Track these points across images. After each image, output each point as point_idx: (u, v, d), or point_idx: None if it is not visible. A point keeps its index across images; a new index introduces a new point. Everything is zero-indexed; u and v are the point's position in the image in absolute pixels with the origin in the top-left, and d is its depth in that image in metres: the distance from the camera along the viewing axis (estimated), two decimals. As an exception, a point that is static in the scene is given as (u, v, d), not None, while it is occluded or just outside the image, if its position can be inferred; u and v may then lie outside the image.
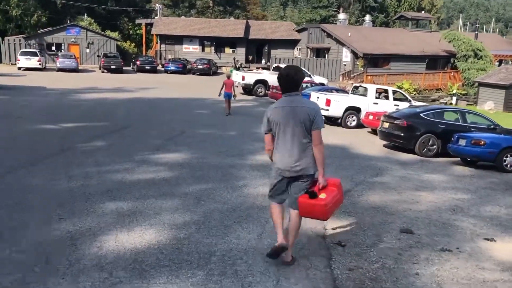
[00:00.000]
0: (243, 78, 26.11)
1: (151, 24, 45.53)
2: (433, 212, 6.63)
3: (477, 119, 13.69)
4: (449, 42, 37.47)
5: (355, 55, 37.69)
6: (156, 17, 46.74)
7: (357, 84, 19.79)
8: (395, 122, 13.27)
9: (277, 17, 76.01)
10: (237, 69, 29.80)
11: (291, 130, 4.17)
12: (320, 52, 42.11)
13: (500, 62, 40.49)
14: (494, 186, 9.10)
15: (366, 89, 18.79)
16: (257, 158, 10.13)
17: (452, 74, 37.98)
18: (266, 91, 25.71)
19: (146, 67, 38.05)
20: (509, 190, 8.76)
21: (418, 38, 41.36)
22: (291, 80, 4.25)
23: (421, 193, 7.95)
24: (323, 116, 4.39)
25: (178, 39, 43.88)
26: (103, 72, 36.50)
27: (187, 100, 22.36)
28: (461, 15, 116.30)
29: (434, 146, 12.87)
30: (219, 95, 18.02)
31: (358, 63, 37.72)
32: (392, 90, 18.95)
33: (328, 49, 41.16)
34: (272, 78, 26.54)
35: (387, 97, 18.66)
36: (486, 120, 13.59)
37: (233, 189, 7.20)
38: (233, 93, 17.48)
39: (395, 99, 18.56)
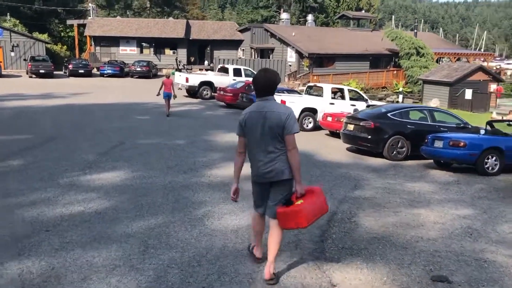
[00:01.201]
0: (187, 80, 24.20)
1: (84, 25, 42.37)
2: (451, 241, 5.28)
3: (445, 117, 12.77)
4: (392, 40, 37.48)
5: (300, 55, 36.77)
6: (89, 18, 43.55)
7: (311, 84, 18.57)
8: (361, 123, 12.05)
9: (216, 19, 74.28)
10: (180, 70, 27.79)
11: (262, 136, 4.01)
12: (264, 53, 40.88)
13: (438, 60, 41.15)
14: (487, 194, 7.98)
15: (321, 89, 17.58)
16: (215, 173, 8.44)
17: (395, 72, 38.04)
18: (213, 93, 23.99)
19: (80, 71, 35.09)
20: (506, 199, 7.66)
21: (360, 38, 41.18)
22: (267, 84, 4.06)
23: (418, 210, 6.62)
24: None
25: (114, 41, 41.07)
26: (30, 77, 33.18)
27: (126, 105, 20.20)
28: (393, 16, 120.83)
29: (404, 149, 11.77)
30: (157, 95, 17.37)
31: (303, 63, 36.86)
32: (348, 89, 17.87)
33: (272, 50, 40.02)
34: (218, 79, 24.87)
35: (343, 97, 17.57)
36: (454, 118, 12.70)
37: (191, 223, 5.47)
38: (172, 93, 16.95)
39: (351, 98, 17.51)
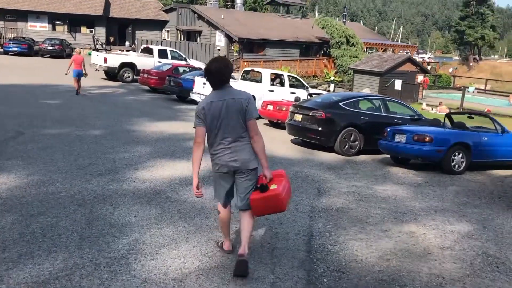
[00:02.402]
0: (106, 60, 21.48)
1: (-17, -4, 37.26)
2: (482, 281, 3.86)
3: (398, 108, 11.68)
4: (322, 28, 36.82)
5: (229, 39, 34.95)
6: (-10, -13, 38.35)
7: (248, 69, 16.88)
8: (311, 113, 10.58)
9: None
10: (97, 50, 24.88)
11: (225, 125, 3.80)
12: (191, 35, 38.51)
13: (365, 50, 41.31)
14: (468, 199, 6.82)
15: (259, 74, 15.97)
16: (142, 176, 6.51)
17: (325, 61, 37.51)
18: (135, 76, 21.52)
19: (-22, 48, 30.68)
20: (492, 205, 6.53)
21: (290, 25, 40.18)
22: (221, 75, 3.82)
23: (409, 227, 5.22)
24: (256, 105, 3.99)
25: (21, 15, 36.48)
26: None
27: (33, 87, 17.29)
28: (316, 7, 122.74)
29: (356, 142, 10.51)
30: (66, 73, 16.39)
31: (233, 48, 35.10)
32: (288, 75, 16.43)
33: (200, 32, 37.79)
34: (141, 60, 22.42)
35: (282, 84, 16.11)
36: (408, 109, 11.65)
37: (110, 268, 3.54)
38: (83, 71, 15.88)
39: (291, 86, 16.10)
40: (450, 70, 57.50)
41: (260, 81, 15.69)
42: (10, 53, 31.50)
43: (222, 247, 4.19)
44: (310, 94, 14.79)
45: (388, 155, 10.08)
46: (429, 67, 47.58)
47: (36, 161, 6.91)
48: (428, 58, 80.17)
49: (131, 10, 39.70)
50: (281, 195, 3.76)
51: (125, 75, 21.88)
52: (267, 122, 14.46)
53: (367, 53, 37.60)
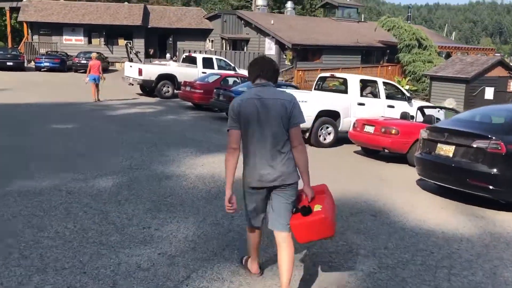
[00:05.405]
0: (140, 72, 17.60)
1: (18, 9, 34.89)
2: None
3: None
4: (388, 30, 31.98)
5: (281, 46, 30.74)
6: (25, 0, 36.01)
7: (325, 75, 12.36)
8: (475, 144, 5.96)
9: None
10: (131, 60, 21.18)
11: (262, 130, 3.19)
12: (237, 44, 34.60)
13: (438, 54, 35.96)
14: None
15: (344, 81, 11.45)
16: None
17: (390, 68, 32.52)
18: (176, 91, 17.51)
19: (8, 63, 27.87)
20: None
21: (349, 29, 35.57)
22: (267, 68, 3.27)
23: None
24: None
25: (56, 28, 33.81)
26: None
27: (51, 107, 13.68)
28: (362, 15, 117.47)
29: (555, 195, 5.81)
30: (86, 83, 15.62)
31: (285, 56, 30.83)
32: (383, 82, 11.77)
33: (247, 40, 33.83)
34: (182, 71, 18.45)
35: (374, 94, 11.51)
36: None
37: None
38: (100, 76, 15.37)
39: (387, 97, 11.50)
40: (517, 76, 51.03)
41: (345, 91, 11.18)
42: (42, 69, 28.67)
43: (247, 266, 3.60)
44: (421, 109, 10.17)
45: None
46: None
47: None
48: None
49: (172, 19, 36.27)
50: (328, 219, 3.14)
51: (164, 89, 17.96)
52: (358, 148, 9.99)
53: (441, 57, 32.37)
